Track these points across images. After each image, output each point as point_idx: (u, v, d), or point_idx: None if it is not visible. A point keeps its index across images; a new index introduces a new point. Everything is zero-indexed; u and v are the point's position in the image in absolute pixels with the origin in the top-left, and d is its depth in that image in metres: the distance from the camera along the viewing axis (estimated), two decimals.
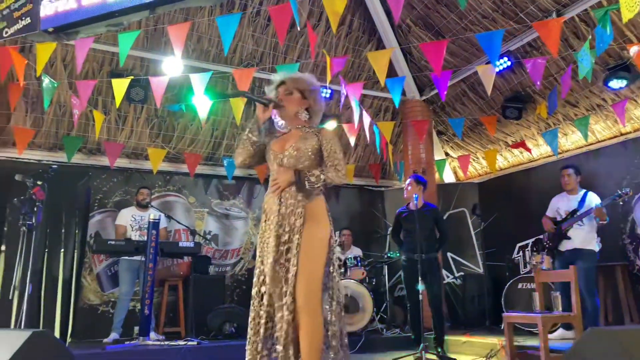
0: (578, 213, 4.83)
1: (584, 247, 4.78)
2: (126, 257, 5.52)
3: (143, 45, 6.10)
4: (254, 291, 2.59)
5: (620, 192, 4.72)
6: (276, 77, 2.84)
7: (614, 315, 5.37)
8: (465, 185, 7.66)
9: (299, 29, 6.18)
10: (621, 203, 5.03)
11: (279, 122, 2.84)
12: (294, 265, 2.48)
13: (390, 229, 7.67)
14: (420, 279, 4.73)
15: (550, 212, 5.14)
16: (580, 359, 2.21)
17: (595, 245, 4.84)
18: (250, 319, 2.57)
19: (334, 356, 2.48)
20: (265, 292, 2.55)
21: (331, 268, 2.59)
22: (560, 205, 5.05)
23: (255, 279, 2.62)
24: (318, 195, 2.66)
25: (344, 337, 2.57)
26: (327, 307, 2.54)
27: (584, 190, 4.97)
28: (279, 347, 2.43)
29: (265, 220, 2.67)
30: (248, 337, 2.55)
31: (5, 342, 2.81)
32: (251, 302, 2.60)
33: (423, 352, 4.54)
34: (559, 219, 5.00)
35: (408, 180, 5.24)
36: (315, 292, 2.48)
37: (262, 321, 2.52)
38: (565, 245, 4.89)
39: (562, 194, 5.12)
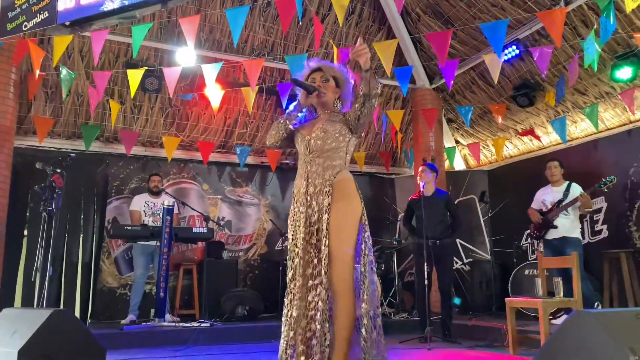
0: (564, 203, 4.96)
1: (569, 235, 4.95)
2: (140, 242, 5.73)
3: (157, 36, 6.26)
4: (289, 274, 2.59)
5: (605, 180, 4.84)
6: (310, 64, 2.85)
7: (619, 301, 5.43)
8: (475, 173, 7.72)
9: (300, 21, 6.26)
10: (606, 190, 5.12)
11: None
12: (326, 245, 2.48)
13: (400, 215, 7.80)
14: (433, 265, 4.89)
15: (535, 205, 5.30)
16: (567, 340, 2.32)
17: (579, 234, 5.02)
18: (286, 302, 2.57)
19: (365, 334, 2.47)
20: (298, 273, 2.54)
21: (363, 245, 2.59)
22: (545, 197, 5.23)
23: (290, 262, 2.62)
24: (345, 173, 2.67)
25: (377, 316, 2.55)
26: (360, 285, 2.55)
27: (567, 182, 5.11)
28: (316, 326, 2.42)
29: (295, 203, 2.69)
30: (283, 319, 2.57)
31: (28, 320, 3.02)
32: (287, 284, 2.60)
33: (428, 334, 4.68)
34: (544, 210, 5.13)
35: (421, 168, 5.30)
36: (346, 271, 2.49)
37: (294, 304, 2.51)
38: (552, 234, 5.06)
39: (546, 187, 5.30)
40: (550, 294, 4.36)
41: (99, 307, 6.23)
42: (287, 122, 2.77)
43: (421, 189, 5.10)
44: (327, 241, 2.50)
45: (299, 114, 2.80)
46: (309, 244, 2.56)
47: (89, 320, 6.00)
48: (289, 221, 2.72)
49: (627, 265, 5.37)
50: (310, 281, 2.52)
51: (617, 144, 5.92)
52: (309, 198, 2.61)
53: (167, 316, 5.55)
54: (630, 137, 5.81)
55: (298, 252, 2.58)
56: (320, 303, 2.45)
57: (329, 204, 2.55)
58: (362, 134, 2.82)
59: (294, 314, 2.49)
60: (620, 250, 5.48)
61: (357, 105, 2.63)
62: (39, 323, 2.91)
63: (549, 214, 5.09)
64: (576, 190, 5.01)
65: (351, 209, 2.59)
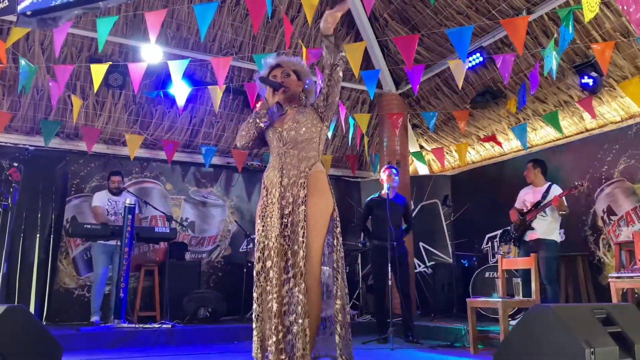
0: (541, 204, 5.05)
1: (546, 237, 4.98)
2: (101, 242, 5.58)
3: (122, 31, 6.14)
4: (258, 266, 2.53)
5: (576, 184, 4.97)
6: (268, 61, 2.85)
7: (574, 302, 5.61)
8: (438, 178, 7.86)
9: (270, 20, 6.27)
10: (576, 194, 5.26)
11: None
12: (303, 237, 2.45)
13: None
14: (389, 265, 4.93)
15: (518, 204, 5.37)
16: (527, 333, 2.38)
17: (557, 236, 5.05)
18: (255, 296, 2.51)
19: (340, 331, 2.45)
20: (271, 266, 2.48)
21: (335, 241, 2.58)
22: (526, 197, 5.29)
23: (258, 254, 2.55)
24: (320, 165, 2.66)
25: (347, 314, 2.53)
26: (333, 281, 2.54)
27: (549, 183, 5.18)
28: (299, 319, 2.37)
29: (267, 195, 2.64)
30: (255, 314, 2.50)
31: None
32: (255, 278, 2.53)
33: (391, 335, 4.72)
34: (525, 210, 5.23)
35: (387, 172, 5.34)
36: (316, 266, 2.47)
37: (273, 297, 2.43)
38: (529, 235, 5.11)
39: (529, 187, 5.35)
40: (511, 295, 4.48)
41: (54, 308, 6.01)
42: (257, 120, 2.72)
43: (386, 191, 5.16)
44: (304, 232, 2.47)
45: (269, 112, 2.75)
46: (282, 236, 2.51)
47: (43, 322, 5.79)
48: (257, 213, 2.67)
49: (582, 267, 5.56)
50: (283, 274, 2.47)
51: (574, 151, 6.14)
52: (282, 189, 2.57)
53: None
54: (585, 144, 6.03)
55: (269, 244, 2.53)
56: (300, 296, 2.39)
57: (304, 196, 2.53)
58: (330, 121, 2.78)
59: (274, 308, 2.41)
60: (576, 253, 5.67)
61: (324, 84, 2.66)
62: None
63: (527, 215, 5.17)
64: (555, 191, 5.05)
65: (324, 204, 2.58)
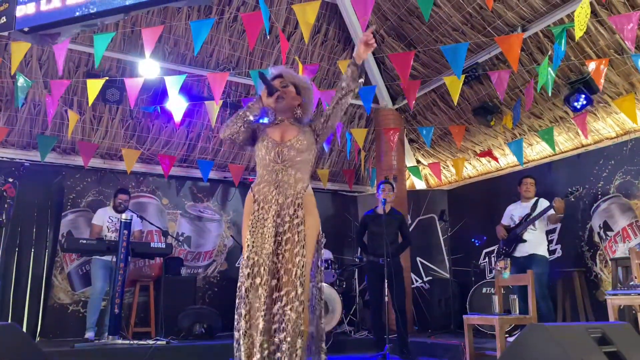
0: (532, 216, 5.08)
1: (536, 252, 5.04)
2: (99, 257, 5.55)
3: (120, 47, 6.17)
4: (247, 283, 2.47)
5: (571, 190, 5.00)
6: (273, 70, 2.84)
7: (572, 318, 5.58)
8: (435, 192, 7.87)
9: (267, 36, 6.31)
10: (572, 199, 5.27)
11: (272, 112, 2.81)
12: (302, 256, 2.47)
13: None
14: (387, 283, 4.92)
15: (505, 220, 5.42)
16: (521, 351, 2.37)
17: (545, 251, 5.12)
18: (243, 312, 2.45)
19: (324, 346, 2.54)
20: (260, 283, 2.45)
21: (319, 261, 2.61)
22: (514, 212, 5.36)
23: (247, 271, 2.49)
24: (310, 188, 2.67)
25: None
26: (316, 301, 2.57)
27: (536, 197, 5.27)
28: (288, 337, 2.35)
29: (259, 210, 2.59)
30: (241, 331, 2.44)
31: None
32: (242, 294, 2.48)
33: (387, 353, 4.69)
34: (512, 225, 5.25)
35: (382, 185, 5.36)
36: (307, 283, 2.48)
37: (261, 314, 2.40)
38: (519, 251, 5.15)
39: (517, 202, 5.43)
40: (507, 311, 4.46)
41: (48, 325, 5.96)
42: (248, 113, 2.69)
43: (382, 206, 5.16)
44: (304, 251, 2.48)
45: (260, 110, 2.72)
46: (274, 254, 2.49)
47: (37, 338, 5.74)
48: (246, 226, 2.61)
49: (580, 283, 5.55)
50: (275, 292, 2.45)
51: (570, 166, 6.15)
52: (279, 207, 2.55)
53: None
54: (581, 160, 6.05)
55: (259, 261, 2.49)
56: (292, 314, 2.38)
57: (303, 216, 2.55)
58: (321, 144, 2.80)
59: (260, 326, 2.38)
60: (573, 269, 5.66)
61: (329, 105, 2.68)
62: None
63: (516, 228, 5.19)
64: (544, 204, 5.11)
65: (315, 225, 2.61)
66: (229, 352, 5.06)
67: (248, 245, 2.55)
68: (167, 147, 7.02)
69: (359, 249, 7.75)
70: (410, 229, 6.94)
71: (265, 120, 2.78)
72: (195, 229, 7.18)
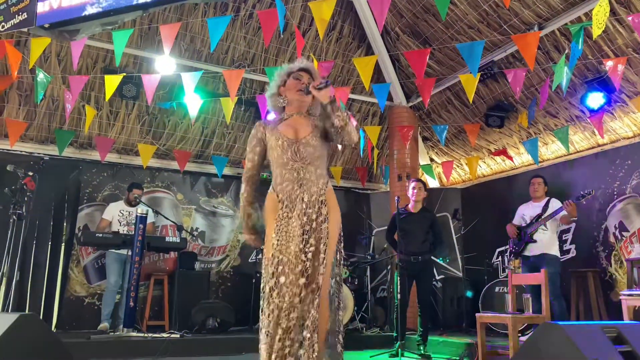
0: (543, 216, 5.05)
1: (548, 252, 5.00)
2: (114, 250, 5.63)
3: (137, 43, 6.24)
4: (271, 282, 2.44)
5: (583, 193, 4.97)
6: (296, 63, 2.78)
7: (585, 319, 5.54)
8: (449, 191, 7.84)
9: (281, 34, 6.33)
10: (584, 202, 5.22)
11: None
12: (324, 253, 2.46)
13: (375, 230, 7.85)
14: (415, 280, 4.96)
15: (516, 220, 5.39)
16: (535, 350, 2.37)
17: (557, 251, 5.08)
18: (267, 312, 2.42)
19: (342, 341, 2.53)
20: (285, 282, 2.43)
21: (339, 255, 2.61)
22: (525, 212, 5.32)
23: (272, 269, 2.46)
24: (330, 184, 2.66)
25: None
26: (336, 294, 2.56)
27: (547, 198, 5.22)
28: (308, 334, 2.36)
29: (283, 208, 2.55)
30: (265, 330, 2.41)
31: None
32: (267, 293, 2.45)
33: (399, 349, 4.71)
34: (523, 225, 5.23)
35: (413, 184, 5.37)
36: (327, 280, 2.49)
37: (285, 313, 2.39)
38: (530, 250, 5.12)
39: (528, 202, 5.40)
40: (520, 310, 4.45)
41: (65, 316, 6.06)
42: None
43: (411, 204, 5.21)
44: (326, 249, 2.48)
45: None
46: (302, 252, 2.47)
47: (54, 330, 5.84)
48: (269, 225, 2.58)
49: (594, 284, 5.51)
50: (304, 290, 2.43)
51: (585, 166, 6.10)
52: (304, 206, 2.54)
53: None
54: (597, 160, 5.99)
55: (283, 260, 2.47)
56: (313, 311, 2.38)
57: (326, 213, 2.55)
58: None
59: (284, 324, 2.37)
60: (587, 269, 5.62)
61: (334, 136, 2.64)
62: (4, 328, 2.83)
63: (527, 228, 5.17)
64: (555, 204, 5.07)
65: (337, 221, 2.61)
66: (241, 347, 5.14)
67: (273, 244, 2.52)
68: (183, 142, 7.08)
69: (372, 247, 7.79)
70: None
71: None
72: (209, 224, 7.24)
